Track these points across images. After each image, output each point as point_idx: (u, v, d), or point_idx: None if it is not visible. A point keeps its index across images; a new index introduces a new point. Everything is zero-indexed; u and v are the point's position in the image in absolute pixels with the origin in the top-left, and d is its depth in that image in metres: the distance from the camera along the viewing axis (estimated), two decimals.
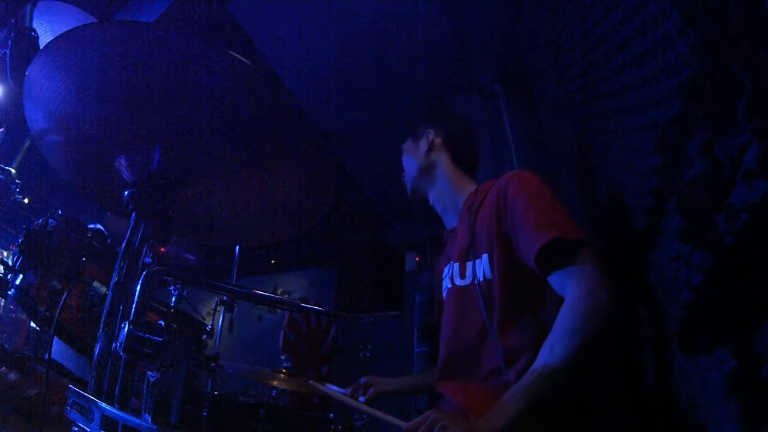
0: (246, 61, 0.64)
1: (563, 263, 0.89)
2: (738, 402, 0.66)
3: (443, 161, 1.28)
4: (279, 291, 5.12)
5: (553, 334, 0.84)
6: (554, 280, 0.91)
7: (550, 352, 0.82)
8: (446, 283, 1.18)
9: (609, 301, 0.83)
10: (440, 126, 1.32)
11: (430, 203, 1.31)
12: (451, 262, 1.17)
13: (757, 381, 0.62)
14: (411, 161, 1.32)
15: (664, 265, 0.85)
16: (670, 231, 0.82)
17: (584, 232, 0.92)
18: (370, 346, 3.33)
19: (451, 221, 1.27)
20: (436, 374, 1.14)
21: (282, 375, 1.74)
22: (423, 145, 1.30)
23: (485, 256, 1.05)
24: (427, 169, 1.28)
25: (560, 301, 0.90)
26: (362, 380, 1.35)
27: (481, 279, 1.04)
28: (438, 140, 1.30)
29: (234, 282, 2.41)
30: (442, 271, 1.25)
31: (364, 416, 1.93)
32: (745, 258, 0.65)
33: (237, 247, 2.42)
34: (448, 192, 1.26)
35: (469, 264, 1.09)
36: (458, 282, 1.12)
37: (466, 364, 1.06)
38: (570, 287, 0.87)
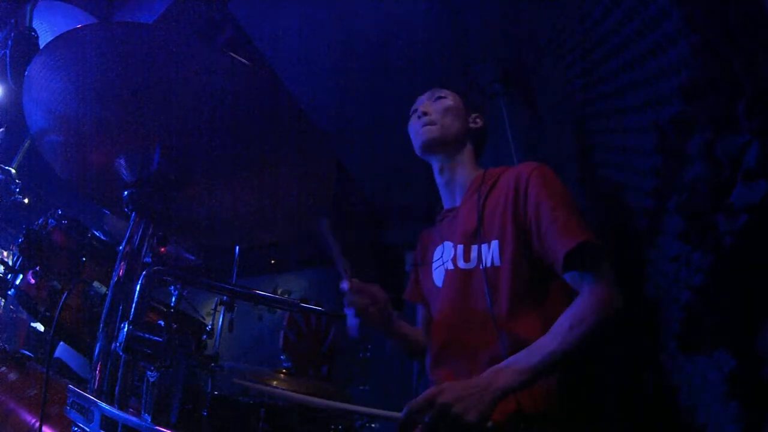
0: (245, 62, 0.64)
1: (588, 266, 0.91)
2: (738, 402, 0.66)
3: (470, 147, 1.26)
4: (279, 291, 5.11)
5: (573, 317, 0.85)
6: (573, 276, 0.93)
7: (569, 332, 0.83)
8: (447, 265, 1.14)
9: (618, 308, 0.87)
10: (483, 116, 1.30)
11: (436, 170, 1.26)
12: (449, 243, 1.15)
13: (757, 381, 0.62)
14: (456, 121, 1.23)
15: (664, 265, 0.85)
16: (670, 231, 0.82)
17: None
18: (370, 346, 3.33)
19: (451, 200, 1.24)
20: (429, 360, 1.11)
21: (282, 375, 1.74)
22: (473, 121, 1.27)
23: (495, 242, 1.03)
24: (460, 140, 1.23)
25: (566, 297, 0.92)
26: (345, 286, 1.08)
27: (489, 264, 1.02)
28: (479, 127, 1.28)
29: (234, 282, 2.41)
30: (432, 250, 1.22)
31: (364, 417, 1.92)
32: (745, 258, 0.65)
33: (237, 247, 2.42)
34: (461, 173, 1.22)
35: (475, 247, 1.07)
36: (461, 265, 1.09)
37: (464, 351, 1.03)
38: (590, 286, 0.90)
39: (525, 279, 0.99)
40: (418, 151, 1.25)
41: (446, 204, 1.26)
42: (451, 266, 1.12)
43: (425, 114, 1.22)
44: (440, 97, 1.25)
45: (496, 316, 0.98)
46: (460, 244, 1.10)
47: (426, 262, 1.24)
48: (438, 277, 1.17)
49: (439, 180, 1.26)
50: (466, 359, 1.02)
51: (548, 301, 0.98)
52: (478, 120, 1.27)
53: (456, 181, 1.22)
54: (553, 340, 0.83)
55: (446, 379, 1.04)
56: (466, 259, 1.08)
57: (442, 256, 1.17)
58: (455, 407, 0.73)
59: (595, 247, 0.91)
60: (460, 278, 1.08)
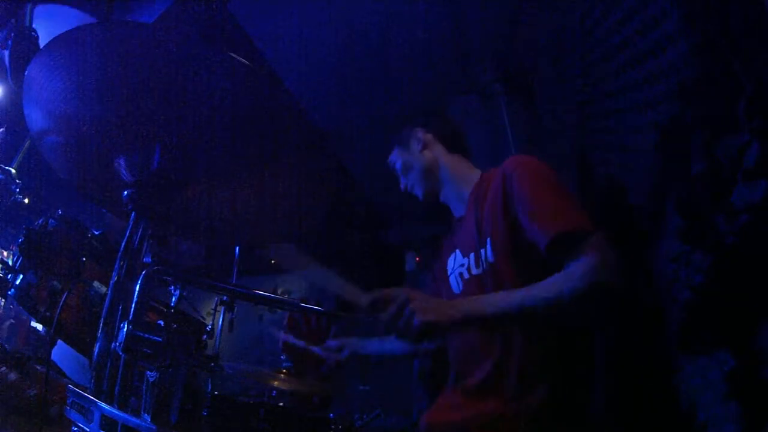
0: (245, 62, 0.64)
1: (570, 253, 0.89)
2: (738, 402, 0.66)
3: (441, 154, 1.28)
4: (279, 291, 5.10)
5: (555, 280, 0.85)
6: (560, 262, 0.93)
7: (545, 290, 0.84)
8: (464, 274, 1.18)
9: (609, 281, 0.82)
10: (424, 123, 1.33)
11: (441, 200, 1.31)
12: (460, 251, 1.18)
13: (757, 381, 0.62)
14: (410, 166, 1.31)
15: (664, 265, 0.85)
16: (670, 231, 0.82)
17: (589, 216, 0.92)
18: None
19: (458, 210, 1.27)
20: (451, 353, 1.18)
21: (282, 375, 1.74)
22: (415, 146, 1.30)
23: (488, 240, 1.06)
24: (430, 168, 1.28)
25: None
26: (333, 343, 1.38)
27: (486, 265, 1.06)
28: (429, 136, 1.30)
29: (234, 282, 2.41)
30: (446, 257, 1.25)
31: (365, 416, 1.92)
32: (745, 258, 0.65)
33: (237, 247, 2.42)
34: (454, 183, 1.26)
35: (482, 251, 1.10)
36: (474, 272, 1.12)
37: (477, 346, 1.07)
38: (574, 267, 0.87)
39: (524, 271, 0.99)
40: None
41: (456, 214, 1.29)
42: (467, 275, 1.16)
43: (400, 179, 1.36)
44: (394, 163, 1.36)
45: None
46: (471, 251, 1.14)
47: (442, 271, 1.27)
48: (455, 284, 1.20)
49: (448, 202, 1.31)
50: (478, 354, 1.06)
51: None
52: (419, 133, 1.31)
53: (456, 194, 1.26)
54: (528, 292, 0.85)
55: (461, 367, 1.12)
56: (477, 265, 1.11)
57: (454, 264, 1.20)
58: (414, 305, 0.79)
59: (573, 236, 0.89)
60: (475, 284, 1.11)
